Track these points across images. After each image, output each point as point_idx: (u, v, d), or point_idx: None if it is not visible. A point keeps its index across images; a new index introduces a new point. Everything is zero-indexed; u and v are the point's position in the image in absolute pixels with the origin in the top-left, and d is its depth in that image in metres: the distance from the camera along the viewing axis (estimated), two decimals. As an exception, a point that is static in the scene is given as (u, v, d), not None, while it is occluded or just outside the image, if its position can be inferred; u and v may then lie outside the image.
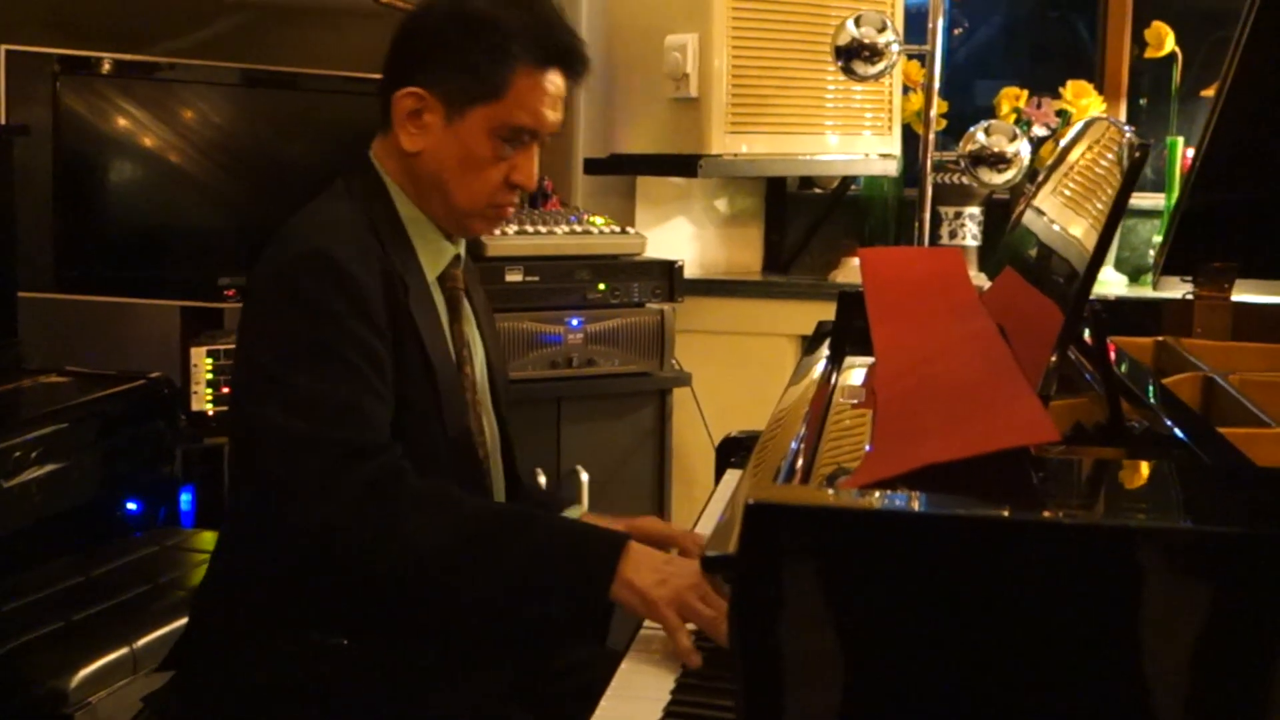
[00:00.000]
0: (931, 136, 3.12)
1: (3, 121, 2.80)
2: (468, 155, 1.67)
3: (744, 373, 3.45)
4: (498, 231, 2.92)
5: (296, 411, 1.54)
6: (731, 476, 2.05)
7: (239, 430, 1.69)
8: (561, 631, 1.69)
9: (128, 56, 3.03)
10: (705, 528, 1.79)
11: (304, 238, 1.62)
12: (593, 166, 3.45)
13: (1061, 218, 1.41)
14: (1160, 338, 1.94)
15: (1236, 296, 2.04)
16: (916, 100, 3.48)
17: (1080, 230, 1.31)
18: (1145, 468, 1.20)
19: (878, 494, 1.03)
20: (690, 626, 1.45)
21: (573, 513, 1.86)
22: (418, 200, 1.72)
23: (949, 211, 3.46)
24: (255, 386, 1.60)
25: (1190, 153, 2.86)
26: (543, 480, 2.86)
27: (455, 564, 1.52)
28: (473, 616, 1.58)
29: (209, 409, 2.90)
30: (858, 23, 2.97)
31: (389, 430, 1.59)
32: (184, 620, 1.83)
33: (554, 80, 1.69)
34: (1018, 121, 3.46)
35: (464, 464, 1.71)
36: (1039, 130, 3.51)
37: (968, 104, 3.98)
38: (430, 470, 1.63)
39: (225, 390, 2.89)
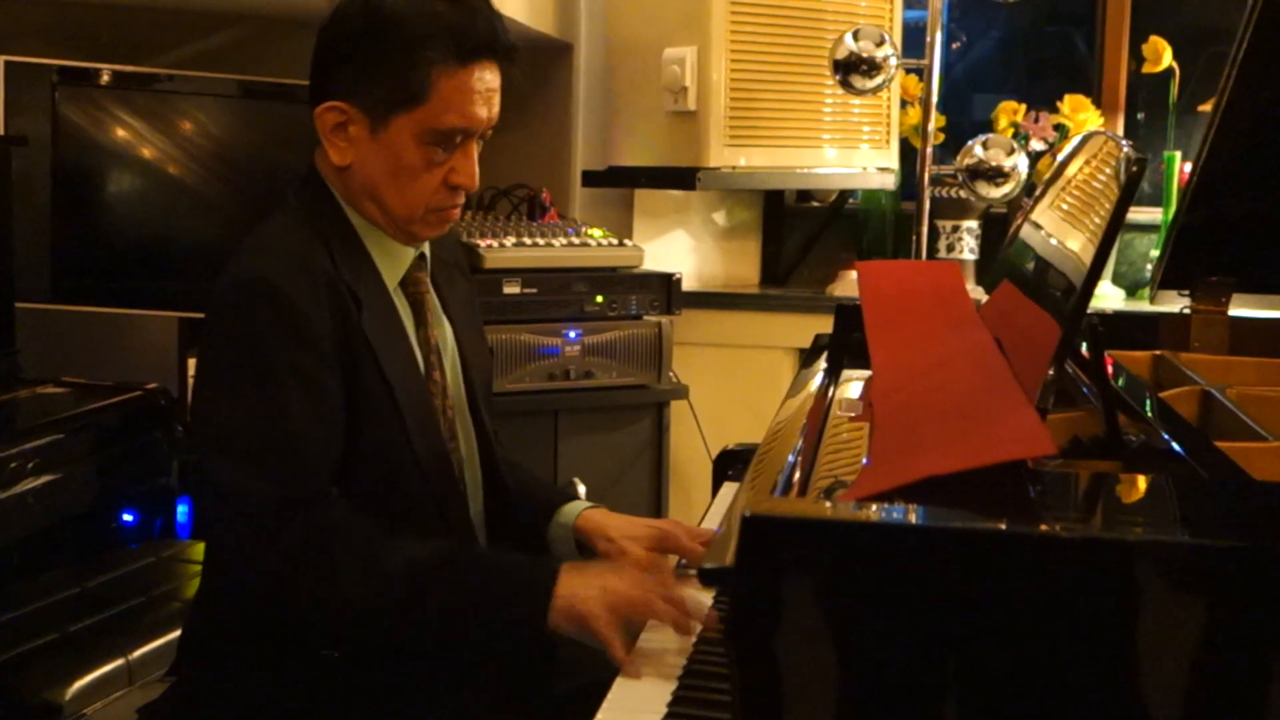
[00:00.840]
0: (929, 150, 3.13)
1: (1, 132, 2.80)
2: (397, 165, 1.61)
3: (741, 385, 3.45)
4: (495, 243, 2.93)
5: (232, 456, 1.53)
6: (729, 489, 2.05)
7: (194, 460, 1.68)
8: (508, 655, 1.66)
9: (127, 68, 3.03)
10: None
11: (245, 263, 1.59)
12: (591, 179, 3.45)
13: (1059, 232, 1.41)
14: (1158, 352, 1.95)
15: (1233, 311, 2.04)
16: (914, 114, 3.49)
17: (1078, 244, 1.31)
18: (1142, 481, 1.20)
19: (875, 507, 1.03)
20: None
21: (571, 510, 1.82)
22: (360, 210, 1.67)
23: (946, 225, 3.46)
24: (197, 423, 1.60)
25: (1188, 167, 2.87)
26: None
27: (393, 617, 1.51)
28: (417, 653, 1.57)
29: (206, 420, 2.89)
30: (856, 37, 2.98)
31: (330, 467, 1.57)
32: (179, 632, 1.83)
33: (480, 75, 1.60)
34: (1015, 136, 3.46)
35: (435, 477, 1.67)
36: (1036, 144, 3.52)
37: (965, 118, 3.99)
38: (398, 489, 1.62)
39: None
